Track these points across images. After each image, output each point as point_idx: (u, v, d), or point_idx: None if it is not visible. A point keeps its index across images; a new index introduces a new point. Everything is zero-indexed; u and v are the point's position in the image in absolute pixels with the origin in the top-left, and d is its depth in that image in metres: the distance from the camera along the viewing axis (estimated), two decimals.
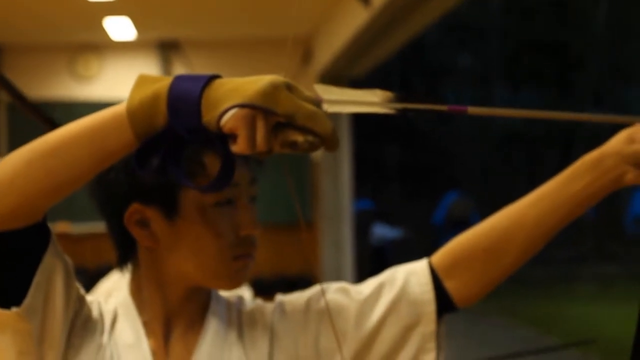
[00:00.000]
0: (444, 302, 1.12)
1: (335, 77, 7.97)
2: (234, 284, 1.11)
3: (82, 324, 1.09)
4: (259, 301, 1.20)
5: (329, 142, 0.83)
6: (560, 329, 9.28)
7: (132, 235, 1.09)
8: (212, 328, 1.13)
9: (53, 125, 1.15)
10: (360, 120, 14.68)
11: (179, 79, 0.85)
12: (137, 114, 0.86)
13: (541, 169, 20.21)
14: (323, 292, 1.15)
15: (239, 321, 1.16)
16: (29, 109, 1.16)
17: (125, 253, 1.14)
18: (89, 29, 7.67)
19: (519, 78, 21.70)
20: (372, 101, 0.91)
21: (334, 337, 1.11)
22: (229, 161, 0.87)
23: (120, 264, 1.15)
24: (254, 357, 1.12)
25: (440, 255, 1.15)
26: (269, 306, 1.18)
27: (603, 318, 9.97)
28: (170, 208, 1.05)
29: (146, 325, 1.12)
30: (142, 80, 0.88)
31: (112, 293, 1.17)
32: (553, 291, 11.28)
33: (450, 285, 1.12)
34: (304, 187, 8.19)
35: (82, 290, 1.10)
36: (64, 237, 5.38)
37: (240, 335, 1.14)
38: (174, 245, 1.07)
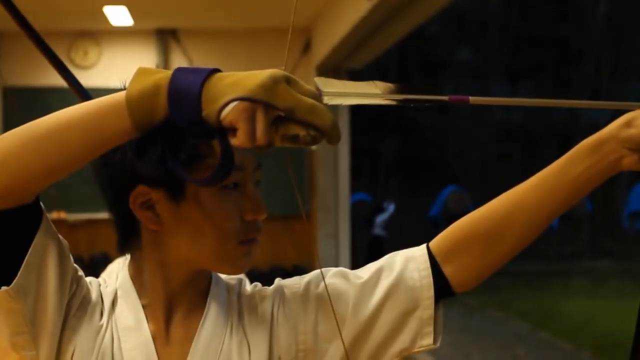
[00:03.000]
0: (442, 287, 1.11)
1: (334, 68, 7.97)
2: (237, 269, 1.11)
3: (80, 306, 1.08)
4: (259, 285, 1.20)
5: (330, 136, 0.83)
6: (554, 323, 9.32)
7: (135, 217, 1.08)
8: (213, 312, 1.13)
9: (56, 60, 1.13)
10: (358, 113, 14.67)
11: (179, 71, 0.85)
12: (137, 104, 0.86)
13: (539, 163, 20.23)
14: (323, 277, 1.15)
15: (239, 305, 1.16)
16: (34, 39, 1.15)
17: (127, 235, 1.12)
18: (87, 17, 7.65)
19: (518, 72, 21.71)
20: (373, 93, 0.91)
21: (333, 322, 1.11)
22: (229, 154, 0.87)
23: (121, 246, 1.14)
24: (254, 341, 1.12)
25: (439, 239, 1.14)
26: (268, 290, 1.17)
27: (597, 313, 10.01)
28: (176, 191, 1.04)
29: (147, 308, 1.12)
30: (142, 71, 0.88)
31: (113, 275, 1.16)
32: (548, 286, 11.31)
33: (448, 270, 1.11)
34: (301, 179, 8.20)
35: (80, 272, 1.10)
36: (59, 225, 5.36)
37: (241, 319, 1.14)
38: (179, 228, 1.06)
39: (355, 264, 9.17)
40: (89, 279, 1.14)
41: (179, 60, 7.95)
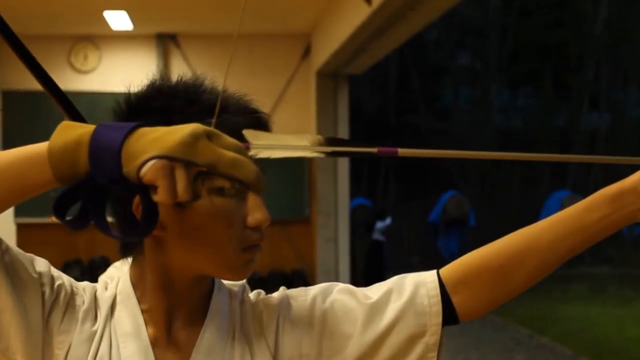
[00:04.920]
0: (449, 314, 1.13)
1: (333, 73, 7.98)
2: (240, 275, 1.11)
3: (66, 313, 1.08)
4: (262, 293, 1.20)
5: (254, 187, 0.83)
6: (553, 329, 9.31)
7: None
8: (215, 318, 1.13)
9: (54, 88, 1.13)
10: (358, 118, 14.67)
11: (101, 127, 0.85)
12: (58, 159, 0.86)
13: (537, 169, 20.24)
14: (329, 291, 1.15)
15: (242, 312, 1.15)
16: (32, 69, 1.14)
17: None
18: (87, 22, 7.67)
19: (517, 78, 21.73)
20: (301, 145, 0.92)
21: (338, 339, 1.12)
22: (150, 211, 0.87)
23: (123, 251, 1.14)
24: (257, 350, 1.12)
25: (451, 269, 1.15)
26: (273, 299, 1.17)
27: (596, 319, 10.00)
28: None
29: (147, 313, 1.11)
30: (65, 126, 0.88)
31: (114, 279, 1.16)
32: (547, 292, 11.29)
33: (457, 299, 1.13)
34: (301, 184, 8.20)
35: (59, 281, 1.09)
36: (59, 229, 5.36)
37: (243, 326, 1.14)
38: (182, 234, 1.06)
39: (355, 269, 9.17)
40: (82, 284, 1.13)
41: (178, 65, 7.96)
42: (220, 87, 1.10)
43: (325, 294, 1.15)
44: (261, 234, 1.10)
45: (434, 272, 1.16)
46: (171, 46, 8.19)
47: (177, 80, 1.12)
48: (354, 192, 10.01)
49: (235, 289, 1.19)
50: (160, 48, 8.14)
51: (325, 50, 7.50)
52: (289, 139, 0.93)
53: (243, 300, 1.17)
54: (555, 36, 20.35)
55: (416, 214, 15.44)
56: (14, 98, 7.77)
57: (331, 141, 0.92)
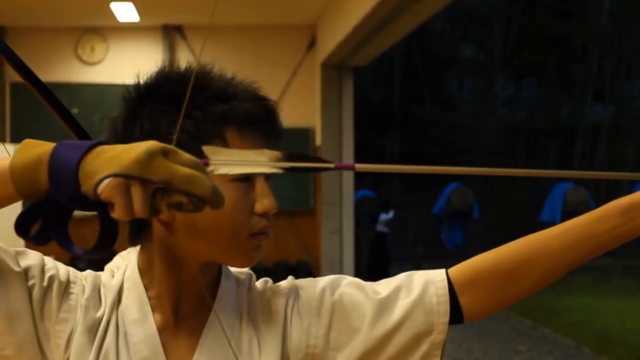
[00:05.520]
0: (454, 314, 1.14)
1: (338, 65, 7.99)
2: (247, 261, 1.11)
3: (62, 302, 1.10)
4: (270, 281, 1.21)
5: (210, 203, 0.84)
6: (556, 320, 9.34)
7: None
8: (223, 304, 1.14)
9: (59, 107, 1.13)
10: (362, 110, 14.66)
11: (60, 146, 0.86)
12: (19, 176, 0.87)
13: (542, 160, 20.22)
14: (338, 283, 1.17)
15: (249, 299, 1.17)
16: (37, 87, 1.14)
17: (138, 227, 1.13)
18: (94, 14, 7.68)
19: (521, 69, 21.68)
20: (259, 161, 0.93)
21: (346, 331, 1.13)
22: (108, 228, 0.88)
23: (132, 238, 1.14)
24: (265, 338, 1.13)
25: (459, 270, 1.16)
26: (282, 287, 1.18)
27: (598, 310, 10.02)
28: None
29: (155, 300, 1.12)
30: (27, 144, 0.89)
31: (121, 266, 1.16)
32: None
33: (464, 300, 1.14)
34: (306, 176, 8.21)
35: (57, 270, 1.11)
36: None
37: (251, 313, 1.15)
38: (190, 220, 1.06)
39: (359, 260, 9.17)
40: (84, 273, 1.14)
41: (185, 56, 7.98)
42: (228, 75, 1.11)
43: (334, 286, 1.16)
44: (268, 220, 1.11)
45: (443, 271, 1.17)
46: (177, 38, 8.21)
47: (186, 68, 1.12)
48: (358, 184, 10.02)
49: (242, 277, 1.20)
50: (166, 39, 8.16)
51: (330, 41, 7.50)
52: (247, 155, 0.95)
53: (250, 287, 1.18)
54: (560, 28, 20.30)
55: (420, 206, 15.44)
56: (22, 90, 7.80)
57: (289, 157, 0.93)
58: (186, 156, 0.84)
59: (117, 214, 0.82)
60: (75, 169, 0.83)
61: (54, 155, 0.84)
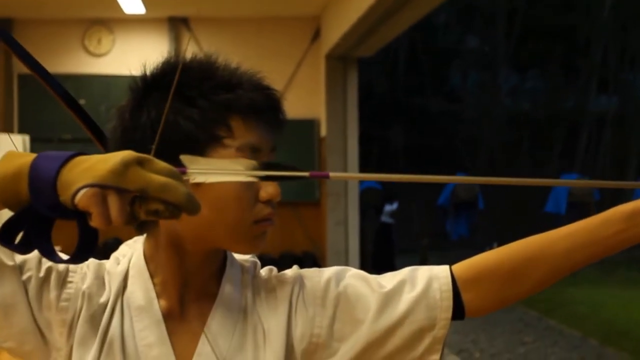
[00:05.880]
0: (456, 310, 1.16)
1: (343, 56, 7.99)
2: (252, 248, 1.13)
3: (62, 292, 1.12)
4: (275, 270, 1.22)
5: (185, 209, 0.86)
6: (562, 311, 9.35)
7: None
8: (228, 291, 1.15)
9: (67, 97, 1.15)
10: (367, 100, 14.65)
11: (40, 158, 0.87)
12: (2, 187, 0.88)
13: (547, 151, 20.20)
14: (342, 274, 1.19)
15: (254, 287, 1.18)
16: (44, 79, 1.16)
17: None
18: (101, 5, 7.70)
19: (525, 61, 21.63)
20: (235, 170, 0.96)
21: (349, 323, 1.14)
22: (87, 237, 0.89)
23: (138, 226, 1.16)
24: (270, 326, 1.14)
25: (463, 267, 1.18)
26: (287, 276, 1.19)
27: (604, 301, 10.02)
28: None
29: (161, 286, 1.14)
30: (9, 155, 0.90)
31: (127, 254, 1.18)
32: None
33: (467, 296, 1.16)
34: (311, 166, 8.23)
35: (47, 264, 1.12)
36: None
37: (255, 301, 1.17)
38: None
39: (364, 251, 9.15)
40: (87, 262, 1.15)
41: (190, 48, 7.98)
42: (232, 65, 1.13)
43: (339, 278, 1.18)
44: (273, 207, 1.13)
45: (447, 267, 1.18)
46: (183, 30, 8.22)
47: (192, 58, 1.14)
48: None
49: (247, 264, 1.21)
50: (172, 31, 8.16)
51: (334, 32, 7.50)
52: (224, 164, 0.98)
53: (255, 275, 1.20)
54: (564, 19, 20.24)
55: (425, 197, 15.44)
56: (30, 81, 7.82)
57: (265, 166, 0.96)
58: (161, 165, 0.86)
59: (95, 222, 0.84)
60: (54, 179, 0.85)
61: (33, 166, 0.86)
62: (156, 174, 0.85)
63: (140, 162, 0.85)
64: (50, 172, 0.85)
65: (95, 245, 0.91)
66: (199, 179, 0.95)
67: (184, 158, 0.95)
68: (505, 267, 1.15)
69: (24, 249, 0.90)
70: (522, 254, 1.16)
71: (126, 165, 0.84)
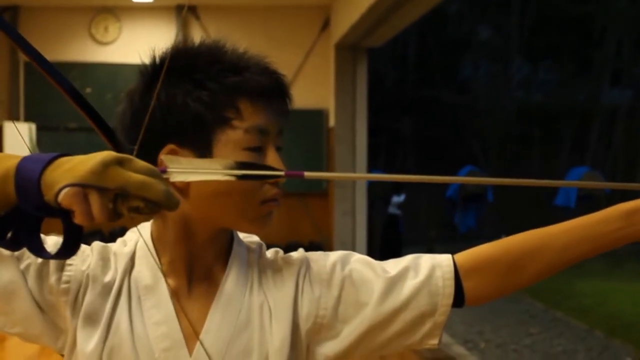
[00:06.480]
0: (456, 298, 1.19)
1: (352, 46, 7.97)
2: (260, 227, 1.16)
3: (62, 275, 1.14)
4: (281, 251, 1.25)
5: (164, 206, 0.90)
6: (568, 303, 9.34)
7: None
8: (235, 269, 1.18)
9: (70, 88, 1.17)
10: (377, 92, 14.61)
11: (24, 160, 0.91)
12: None
13: (557, 144, 20.12)
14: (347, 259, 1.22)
15: (259, 266, 1.21)
16: (46, 70, 1.19)
17: None
18: None
19: (538, 52, 21.53)
20: (214, 169, 1.01)
21: (354, 306, 1.17)
22: (71, 234, 0.94)
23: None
24: (276, 305, 1.17)
25: (465, 256, 1.22)
26: (293, 257, 1.22)
27: (611, 293, 10.01)
28: (204, 149, 1.10)
29: (168, 265, 1.17)
30: None
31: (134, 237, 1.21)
32: None
33: (468, 285, 1.19)
34: (320, 156, 8.23)
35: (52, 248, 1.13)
36: None
37: (261, 280, 1.19)
38: (204, 186, 1.11)
39: (372, 242, 9.15)
40: (92, 245, 1.19)
41: (198, 36, 7.98)
42: (241, 49, 1.15)
43: (344, 262, 1.21)
44: (279, 188, 1.15)
45: (449, 256, 1.21)
46: (191, 18, 8.21)
47: (200, 42, 1.16)
48: (371, 166, 10.03)
49: (253, 246, 1.24)
50: (179, 19, 8.16)
51: (344, 22, 7.48)
52: (203, 163, 1.03)
53: (261, 255, 1.23)
54: (577, 10, 20.12)
55: (434, 189, 15.44)
56: (36, 70, 7.80)
57: (242, 165, 1.02)
58: (141, 164, 0.90)
59: (78, 219, 0.89)
60: (38, 180, 0.89)
61: (19, 168, 0.91)
62: (135, 173, 0.89)
63: (120, 162, 0.89)
64: (34, 174, 0.89)
65: (80, 241, 0.96)
66: (178, 177, 1.00)
67: (165, 158, 1.01)
68: (506, 259, 1.19)
69: (13, 246, 0.95)
70: (523, 247, 1.20)
71: (106, 165, 0.88)
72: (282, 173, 1.04)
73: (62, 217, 0.91)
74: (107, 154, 0.89)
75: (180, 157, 1.03)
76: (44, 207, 0.90)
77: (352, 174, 1.05)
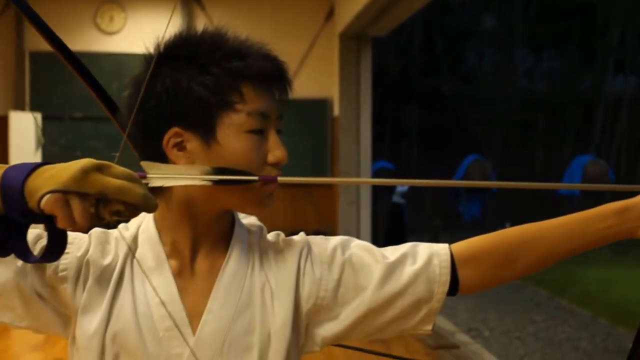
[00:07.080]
0: (452, 285, 1.23)
1: (356, 35, 7.97)
2: (261, 208, 1.19)
3: (60, 262, 1.17)
4: (282, 234, 1.28)
5: (143, 209, 0.95)
6: (572, 291, 9.35)
7: (166, 159, 1.15)
8: (237, 250, 1.21)
9: (85, 73, 1.20)
10: (380, 82, 14.60)
11: (9, 169, 0.95)
12: None
13: (561, 133, 20.08)
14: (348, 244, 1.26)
15: (261, 247, 1.24)
16: (65, 55, 1.23)
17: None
18: None
19: (542, 41, 21.47)
20: (191, 175, 1.07)
21: (353, 289, 1.21)
22: (55, 238, 0.99)
23: (149, 190, 1.20)
24: (278, 285, 1.20)
25: (462, 246, 1.26)
26: (295, 240, 1.26)
27: (615, 281, 10.01)
28: (208, 132, 1.13)
29: (171, 246, 1.20)
30: None
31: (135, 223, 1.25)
32: None
33: (463, 273, 1.23)
34: (324, 146, 8.24)
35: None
36: None
37: (263, 261, 1.22)
38: None
39: (376, 231, 9.16)
40: (90, 232, 1.22)
41: (202, 27, 7.98)
42: (243, 36, 1.18)
43: (345, 246, 1.25)
44: (280, 171, 1.19)
45: (447, 245, 1.26)
46: (195, 8, 8.22)
47: (203, 30, 1.19)
48: (376, 155, 10.04)
49: (253, 228, 1.27)
50: (184, 10, 8.17)
51: (348, 11, 7.49)
52: (181, 169, 1.09)
53: (262, 237, 1.26)
54: None
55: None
56: (41, 59, 7.86)
57: (217, 170, 1.07)
58: (120, 169, 0.95)
59: (61, 224, 0.93)
60: (21, 187, 0.93)
61: (3, 177, 0.95)
62: (114, 178, 0.93)
63: (99, 168, 0.94)
64: (17, 182, 0.94)
65: (64, 244, 1.01)
66: (157, 182, 1.05)
67: (144, 164, 1.06)
68: (501, 250, 1.24)
69: (2, 251, 1.00)
70: (517, 239, 1.25)
71: (85, 172, 0.92)
72: (256, 178, 1.10)
73: (46, 223, 0.96)
74: (87, 161, 0.94)
75: (159, 163, 1.09)
76: (29, 214, 0.94)
77: (326, 179, 1.11)
